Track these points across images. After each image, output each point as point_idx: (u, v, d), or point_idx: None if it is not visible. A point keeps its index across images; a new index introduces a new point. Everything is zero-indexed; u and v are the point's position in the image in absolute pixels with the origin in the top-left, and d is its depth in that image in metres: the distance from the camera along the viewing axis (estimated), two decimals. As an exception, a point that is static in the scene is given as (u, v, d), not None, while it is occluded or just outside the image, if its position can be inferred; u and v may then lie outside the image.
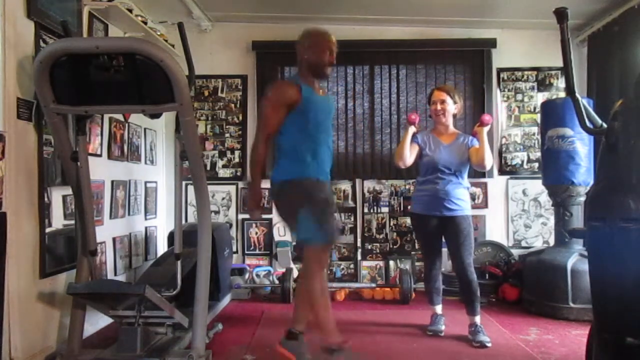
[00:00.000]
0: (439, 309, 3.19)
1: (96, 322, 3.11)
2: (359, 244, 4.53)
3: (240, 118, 4.58)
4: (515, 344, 2.93)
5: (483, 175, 4.45)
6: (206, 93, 4.58)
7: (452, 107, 3.08)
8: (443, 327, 3.11)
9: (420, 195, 3.11)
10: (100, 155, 3.39)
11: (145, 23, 3.72)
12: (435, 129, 3.16)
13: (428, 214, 3.03)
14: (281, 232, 4.43)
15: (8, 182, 2.35)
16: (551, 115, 3.74)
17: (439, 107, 3.06)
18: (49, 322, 2.67)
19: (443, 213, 2.98)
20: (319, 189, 2.50)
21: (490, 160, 2.99)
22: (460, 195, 3.01)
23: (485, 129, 3.00)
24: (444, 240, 3.11)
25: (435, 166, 3.01)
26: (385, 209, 4.56)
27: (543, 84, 4.56)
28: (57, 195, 2.82)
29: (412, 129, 3.07)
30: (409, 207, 4.46)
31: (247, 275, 4.32)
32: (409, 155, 3.04)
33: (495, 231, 4.53)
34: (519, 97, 4.57)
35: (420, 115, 3.19)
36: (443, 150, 3.04)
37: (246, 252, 4.55)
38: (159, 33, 3.98)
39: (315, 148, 2.54)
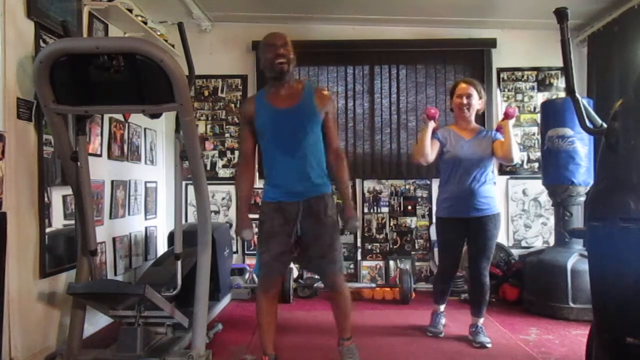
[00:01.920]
0: (441, 307, 3.13)
1: (96, 322, 3.12)
2: (358, 244, 4.53)
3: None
4: (515, 344, 2.93)
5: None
6: (206, 93, 4.58)
7: (476, 101, 2.93)
8: (442, 328, 3.09)
9: (445, 197, 2.94)
10: (100, 155, 3.39)
11: (145, 23, 3.72)
12: (457, 124, 3.01)
13: (455, 217, 2.89)
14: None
15: (8, 182, 2.35)
16: (551, 115, 3.74)
17: (464, 101, 2.90)
18: (49, 322, 2.67)
19: (471, 214, 2.85)
20: (269, 213, 2.40)
21: (517, 152, 2.83)
22: (488, 193, 2.88)
23: (511, 122, 2.85)
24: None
25: (459, 163, 2.87)
26: (385, 209, 4.57)
27: (543, 84, 4.56)
28: (57, 195, 2.82)
29: (431, 124, 2.89)
30: (409, 207, 4.50)
31: (247, 275, 4.32)
32: (430, 152, 2.87)
33: (495, 231, 4.53)
34: (519, 97, 4.57)
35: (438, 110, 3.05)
36: (465, 145, 2.90)
37: (246, 252, 4.55)
38: (159, 33, 3.98)
39: (270, 165, 2.42)
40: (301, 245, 2.42)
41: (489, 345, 2.83)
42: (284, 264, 2.47)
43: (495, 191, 2.96)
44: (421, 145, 2.87)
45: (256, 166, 2.56)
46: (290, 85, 2.40)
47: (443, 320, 3.12)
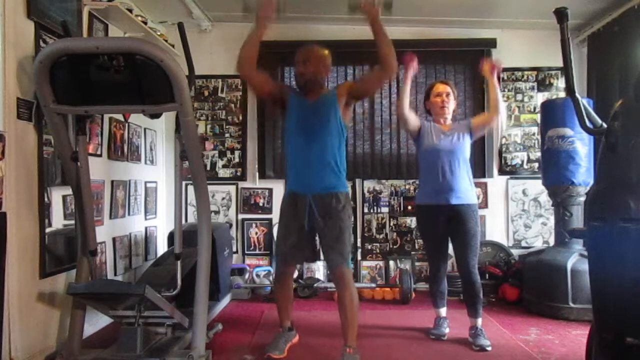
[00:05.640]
0: (443, 312, 3.15)
1: (96, 322, 3.11)
2: (359, 244, 4.53)
3: (240, 118, 4.58)
4: (515, 344, 2.93)
5: (483, 175, 4.46)
6: (206, 93, 4.58)
7: (453, 101, 3.05)
8: (446, 331, 3.08)
9: (426, 186, 3.04)
10: (100, 155, 3.39)
11: (145, 23, 3.72)
12: (435, 121, 3.10)
13: (435, 204, 2.94)
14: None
15: (8, 182, 2.35)
16: (551, 115, 3.74)
17: (445, 98, 3.01)
18: (49, 322, 2.67)
19: (450, 201, 2.90)
20: (285, 205, 2.70)
21: (503, 105, 2.93)
22: (466, 183, 2.95)
23: (495, 75, 2.94)
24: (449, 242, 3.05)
25: (438, 154, 2.95)
26: (385, 209, 4.57)
27: (543, 84, 4.56)
28: (57, 195, 2.82)
29: (411, 72, 2.96)
30: (409, 207, 4.50)
31: (247, 275, 4.33)
32: (409, 109, 2.96)
33: (495, 231, 4.53)
34: (519, 97, 4.57)
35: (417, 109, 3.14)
36: (444, 137, 2.99)
37: (246, 252, 4.55)
38: (159, 33, 3.98)
39: (292, 151, 2.67)
40: (318, 238, 2.67)
41: (489, 349, 2.81)
42: (299, 252, 2.73)
43: (472, 182, 3.04)
44: (400, 93, 2.98)
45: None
46: (317, 91, 2.68)
47: (446, 324, 3.12)
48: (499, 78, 2.94)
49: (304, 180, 2.61)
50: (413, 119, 3.04)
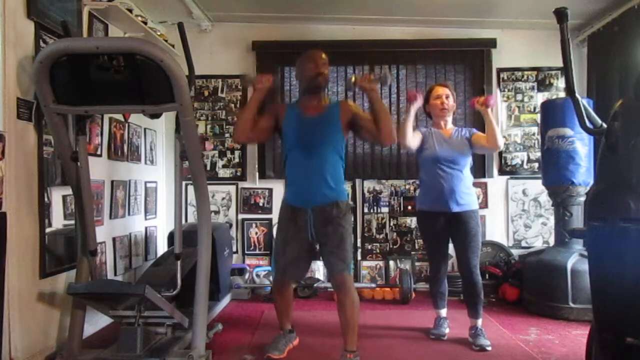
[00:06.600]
0: (443, 312, 3.15)
1: (96, 322, 3.11)
2: (359, 244, 4.53)
3: (240, 118, 4.57)
4: (515, 344, 2.93)
5: (483, 175, 4.46)
6: (206, 93, 4.58)
7: (452, 103, 3.05)
8: (446, 331, 3.08)
9: (426, 192, 3.05)
10: (100, 155, 3.39)
11: (145, 23, 3.72)
12: (436, 125, 3.10)
13: (436, 211, 2.95)
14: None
15: (8, 182, 2.35)
16: (551, 115, 3.74)
17: (444, 100, 3.00)
18: (49, 322, 2.67)
19: (452, 209, 2.90)
20: (284, 218, 2.66)
21: (501, 139, 2.91)
22: (467, 189, 2.95)
23: (490, 110, 2.91)
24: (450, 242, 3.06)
25: (439, 160, 2.94)
26: (385, 209, 4.57)
27: (543, 84, 4.56)
28: (57, 195, 2.82)
29: (414, 106, 2.93)
30: (409, 207, 4.50)
31: (247, 275, 4.33)
32: (412, 136, 2.94)
33: (495, 231, 4.53)
34: (519, 97, 4.57)
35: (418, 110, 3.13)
36: (445, 143, 2.98)
37: (246, 252, 4.55)
38: (159, 33, 3.98)
39: (291, 166, 2.65)
40: (319, 245, 2.64)
41: (489, 348, 2.81)
42: (299, 268, 2.72)
43: (473, 189, 3.03)
44: (403, 126, 2.93)
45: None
46: (320, 98, 2.67)
47: (446, 324, 3.12)
48: (490, 106, 2.91)
49: (304, 196, 2.59)
50: (416, 142, 3.00)
